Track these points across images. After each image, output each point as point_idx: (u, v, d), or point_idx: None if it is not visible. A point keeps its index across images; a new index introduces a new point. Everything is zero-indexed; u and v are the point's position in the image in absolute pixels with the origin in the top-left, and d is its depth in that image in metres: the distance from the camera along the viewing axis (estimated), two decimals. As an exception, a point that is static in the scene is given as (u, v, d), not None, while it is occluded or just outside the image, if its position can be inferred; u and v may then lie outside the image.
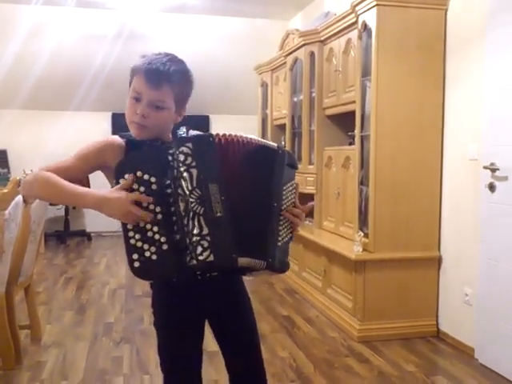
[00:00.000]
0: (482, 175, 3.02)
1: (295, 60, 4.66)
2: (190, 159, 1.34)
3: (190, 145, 1.35)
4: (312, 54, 4.33)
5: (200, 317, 1.59)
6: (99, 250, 6.41)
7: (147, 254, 1.35)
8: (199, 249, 1.32)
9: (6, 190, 2.70)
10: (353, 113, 3.65)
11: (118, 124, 7.23)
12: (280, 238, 1.45)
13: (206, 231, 1.32)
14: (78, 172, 1.47)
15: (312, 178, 4.34)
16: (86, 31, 6.15)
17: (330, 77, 4.14)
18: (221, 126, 7.45)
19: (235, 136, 1.42)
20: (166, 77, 1.44)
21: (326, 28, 4.09)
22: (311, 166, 4.39)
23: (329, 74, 4.16)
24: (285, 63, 4.99)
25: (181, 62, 1.50)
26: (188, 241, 1.34)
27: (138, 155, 1.41)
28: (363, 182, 3.52)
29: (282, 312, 3.95)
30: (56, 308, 4.07)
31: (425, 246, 3.46)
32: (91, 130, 7.27)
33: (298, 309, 4.04)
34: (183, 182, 1.34)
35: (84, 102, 6.88)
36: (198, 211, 1.33)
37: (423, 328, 3.46)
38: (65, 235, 6.88)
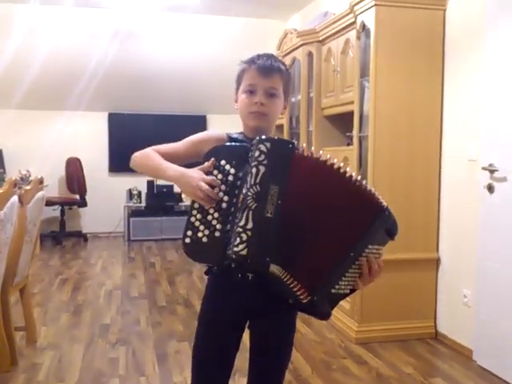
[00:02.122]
0: (480, 176, 3.01)
1: (293, 60, 4.64)
2: (262, 157, 1.36)
3: (268, 144, 1.37)
4: (310, 54, 4.31)
5: (239, 326, 1.58)
6: (95, 251, 6.38)
7: (200, 234, 1.40)
8: (237, 240, 1.32)
9: (1, 191, 2.67)
10: (351, 113, 3.63)
11: (115, 124, 7.22)
12: (337, 287, 1.40)
13: (249, 226, 1.32)
14: (178, 155, 1.57)
15: (310, 179, 4.32)
16: (82, 31, 6.12)
17: (328, 77, 4.13)
18: (218, 126, 7.43)
19: (323, 156, 1.39)
20: (276, 67, 1.57)
21: (325, 28, 4.07)
22: (309, 167, 4.36)
23: (327, 74, 4.14)
24: (282, 63, 4.97)
25: (280, 59, 1.63)
26: (233, 231, 1.36)
27: (228, 146, 1.49)
28: (361, 182, 3.50)
29: (279, 313, 3.92)
30: (52, 309, 4.04)
31: (423, 247, 3.45)
32: (87, 130, 7.26)
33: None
34: (249, 176, 1.36)
35: (80, 101, 6.86)
36: (250, 205, 1.34)
37: (421, 330, 3.44)
38: (60, 236, 6.84)
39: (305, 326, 3.65)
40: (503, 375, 2.86)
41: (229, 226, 1.38)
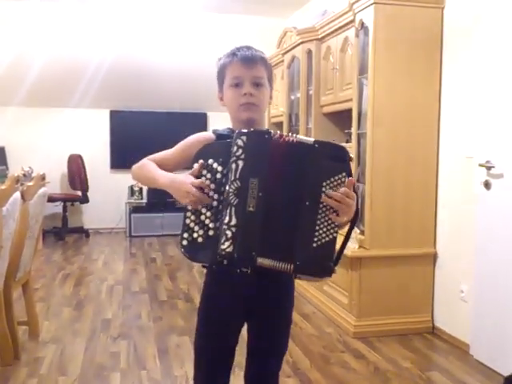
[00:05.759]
0: (477, 173, 3.04)
1: (292, 58, 4.67)
2: (240, 151, 1.36)
3: (244, 138, 1.37)
4: (309, 52, 4.34)
5: (238, 315, 1.60)
6: (97, 247, 6.42)
7: (195, 235, 1.40)
8: (223, 237, 1.34)
9: (4, 187, 2.70)
10: (350, 110, 3.67)
11: (116, 121, 7.25)
12: (316, 239, 1.37)
13: (233, 222, 1.34)
14: (173, 162, 1.57)
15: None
16: (85, 28, 6.14)
17: (327, 75, 4.16)
18: (218, 123, 7.45)
19: (291, 136, 1.40)
20: (258, 56, 1.55)
21: (324, 26, 4.10)
22: (308, 164, 4.40)
23: (326, 71, 4.17)
24: (282, 61, 5.00)
25: (259, 50, 1.61)
26: (220, 229, 1.37)
27: (213, 145, 1.47)
28: (359, 179, 3.54)
29: (278, 308, 3.95)
30: (54, 304, 4.08)
31: (421, 242, 3.48)
32: (89, 127, 7.29)
33: (294, 305, 4.05)
34: (230, 172, 1.37)
35: (82, 99, 6.89)
36: (232, 202, 1.35)
37: (419, 324, 3.48)
38: (63, 232, 6.88)
39: (304, 321, 3.69)
40: (499, 369, 2.89)
41: (218, 224, 1.38)
